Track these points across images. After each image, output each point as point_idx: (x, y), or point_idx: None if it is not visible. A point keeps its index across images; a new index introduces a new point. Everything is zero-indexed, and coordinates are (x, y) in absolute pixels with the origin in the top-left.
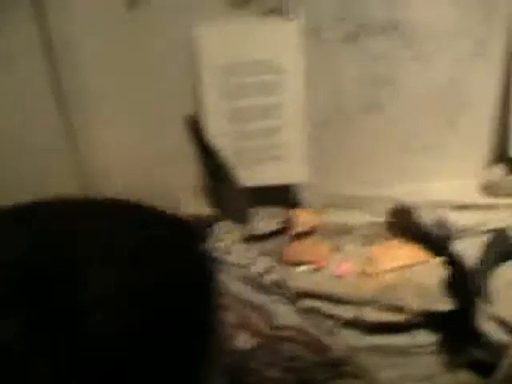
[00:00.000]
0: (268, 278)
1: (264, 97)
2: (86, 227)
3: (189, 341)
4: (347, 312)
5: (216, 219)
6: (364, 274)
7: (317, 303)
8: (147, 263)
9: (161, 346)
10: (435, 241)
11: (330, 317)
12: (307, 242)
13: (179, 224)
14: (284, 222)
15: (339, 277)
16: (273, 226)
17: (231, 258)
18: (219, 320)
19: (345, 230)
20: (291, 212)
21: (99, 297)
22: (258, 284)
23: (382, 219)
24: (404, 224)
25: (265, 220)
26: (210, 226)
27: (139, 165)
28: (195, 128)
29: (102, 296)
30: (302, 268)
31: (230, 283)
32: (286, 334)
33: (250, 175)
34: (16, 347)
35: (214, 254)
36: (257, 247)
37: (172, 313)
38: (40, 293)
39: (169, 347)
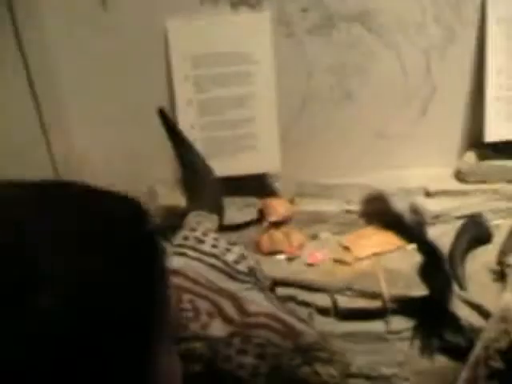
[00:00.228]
0: (241, 267)
1: (236, 87)
2: (33, 213)
3: (136, 318)
4: (322, 299)
5: (190, 209)
6: (339, 261)
7: (292, 291)
8: (95, 247)
9: (108, 324)
10: (409, 227)
11: (306, 304)
12: (282, 232)
13: (126, 200)
14: (258, 211)
15: (314, 265)
16: (247, 215)
17: (204, 247)
18: (167, 296)
19: (319, 219)
20: (265, 202)
21: (48, 281)
22: (231, 272)
23: (356, 207)
24: (378, 211)
25: (239, 210)
26: (184, 215)
27: (114, 156)
28: (167, 119)
29: (51, 279)
30: (277, 257)
31: (203, 272)
32: (258, 320)
33: (224, 165)
34: None
35: (162, 234)
36: (231, 237)
37: (120, 293)
38: None
39: (116, 326)
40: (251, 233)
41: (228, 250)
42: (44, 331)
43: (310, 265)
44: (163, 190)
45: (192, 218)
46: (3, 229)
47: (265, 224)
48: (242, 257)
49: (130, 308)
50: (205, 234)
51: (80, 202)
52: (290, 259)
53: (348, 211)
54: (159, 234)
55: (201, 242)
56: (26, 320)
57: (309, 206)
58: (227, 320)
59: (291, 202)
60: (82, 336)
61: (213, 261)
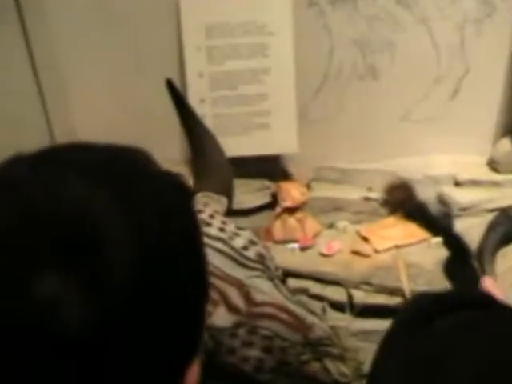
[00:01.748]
0: (250, 253)
1: (250, 60)
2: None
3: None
4: (337, 293)
5: (198, 189)
6: (356, 253)
7: (304, 283)
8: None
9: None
10: (435, 219)
11: (319, 298)
12: (296, 218)
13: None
14: (271, 196)
15: (329, 256)
16: (259, 199)
17: (211, 231)
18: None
19: (337, 207)
20: (279, 185)
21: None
22: (238, 258)
23: (377, 195)
24: (401, 200)
25: (250, 193)
26: (191, 196)
27: (118, 132)
28: (175, 92)
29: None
30: (290, 246)
31: (209, 257)
32: (266, 310)
33: (236, 144)
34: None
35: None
36: (240, 222)
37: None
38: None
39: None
40: (262, 218)
41: (236, 234)
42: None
43: (325, 256)
44: (171, 170)
45: (199, 199)
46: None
47: (278, 209)
48: (251, 242)
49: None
50: (212, 217)
51: (143, 171)
52: (303, 248)
53: (368, 199)
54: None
55: (207, 224)
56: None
57: (326, 191)
58: (233, 309)
59: (307, 186)
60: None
61: (219, 245)
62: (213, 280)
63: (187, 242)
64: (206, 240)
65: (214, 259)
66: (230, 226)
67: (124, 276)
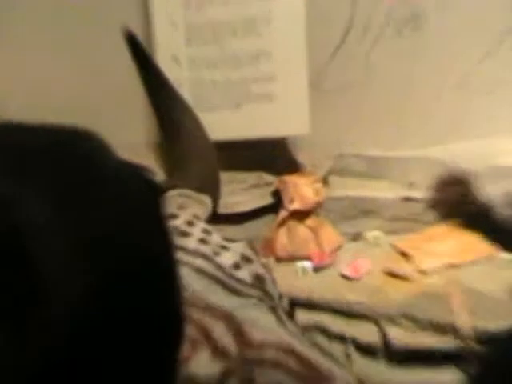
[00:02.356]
0: (243, 274)
1: (244, 4)
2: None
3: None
4: (366, 332)
5: (170, 186)
6: (392, 275)
7: (320, 317)
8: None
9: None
10: (502, 225)
11: (340, 338)
12: (307, 227)
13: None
14: (273, 194)
15: (354, 279)
16: (256, 200)
17: (188, 243)
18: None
19: (365, 210)
20: (284, 180)
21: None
22: (226, 281)
23: (420, 193)
24: (455, 200)
25: (245, 191)
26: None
27: (62, 108)
28: (138, 48)
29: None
30: (300, 264)
31: (185, 279)
32: (266, 355)
33: (224, 123)
34: None
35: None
36: (230, 231)
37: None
38: None
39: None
40: (261, 226)
41: (224, 248)
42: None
43: (349, 279)
44: (131, 159)
45: (172, 200)
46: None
47: (282, 214)
48: (245, 259)
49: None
50: (190, 224)
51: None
52: (318, 269)
53: (408, 199)
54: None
55: (184, 234)
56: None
57: (350, 189)
58: (219, 352)
59: (323, 182)
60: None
61: (200, 263)
62: (191, 312)
63: (154, 262)
64: (181, 256)
65: (193, 282)
66: (216, 237)
67: (60, 315)
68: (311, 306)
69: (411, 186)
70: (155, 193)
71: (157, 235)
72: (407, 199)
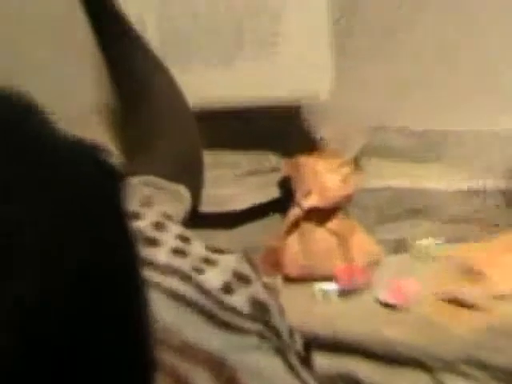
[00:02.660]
0: (237, 300)
1: None
2: None
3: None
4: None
5: (131, 172)
6: (452, 302)
7: (347, 363)
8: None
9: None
10: None
11: None
12: (330, 231)
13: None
14: (280, 185)
15: (396, 308)
16: (255, 194)
17: (158, 256)
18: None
19: (410, 207)
20: (295, 164)
21: None
22: (212, 310)
23: (494, 184)
24: None
25: (239, 180)
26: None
27: None
28: None
29: None
30: (318, 287)
31: (154, 306)
32: None
33: (210, 84)
34: None
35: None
36: (219, 237)
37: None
38: None
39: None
40: (263, 231)
41: (209, 262)
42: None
43: (390, 306)
44: (78, 133)
45: (134, 191)
46: None
47: (294, 213)
48: (240, 278)
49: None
50: (159, 227)
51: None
52: (345, 292)
53: (476, 192)
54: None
55: (150, 242)
56: None
57: (391, 177)
58: None
59: (353, 166)
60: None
61: (174, 284)
62: (161, 354)
63: (110, 274)
64: (147, 274)
65: (165, 312)
66: (197, 247)
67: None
68: (336, 346)
69: (480, 172)
70: (113, 180)
71: (115, 240)
72: (474, 192)
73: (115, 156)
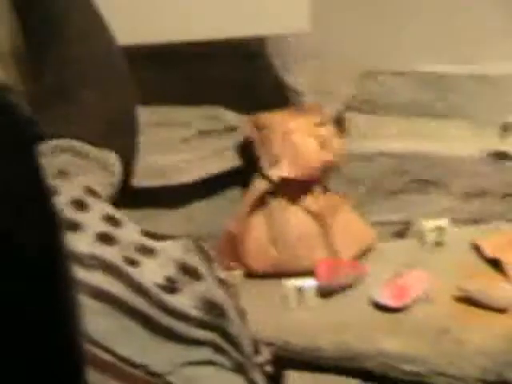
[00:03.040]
0: (181, 301)
1: None
2: None
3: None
4: None
5: (42, 133)
6: (471, 303)
7: (328, 383)
8: None
9: None
10: None
11: None
12: (306, 211)
13: None
14: (240, 151)
15: (397, 311)
16: (208, 162)
17: (79, 243)
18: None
19: (414, 178)
20: (261, 123)
21: None
22: (150, 315)
23: None
24: None
25: (186, 145)
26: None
27: None
28: None
29: None
30: (292, 284)
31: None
32: None
33: (147, 21)
34: None
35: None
36: (161, 220)
37: None
38: None
39: None
40: (219, 210)
41: (146, 251)
42: None
43: (388, 309)
44: None
45: (46, 158)
46: None
47: (259, 186)
48: (187, 272)
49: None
50: (80, 206)
51: None
52: (328, 291)
53: (503, 155)
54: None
55: (68, 226)
56: None
57: (388, 138)
58: None
59: (338, 123)
60: None
61: (100, 280)
62: (87, 373)
63: (27, 277)
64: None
65: (89, 318)
66: (130, 231)
67: None
68: (316, 363)
69: (507, 130)
70: (28, 138)
71: (30, 210)
72: (500, 156)
73: (27, 108)
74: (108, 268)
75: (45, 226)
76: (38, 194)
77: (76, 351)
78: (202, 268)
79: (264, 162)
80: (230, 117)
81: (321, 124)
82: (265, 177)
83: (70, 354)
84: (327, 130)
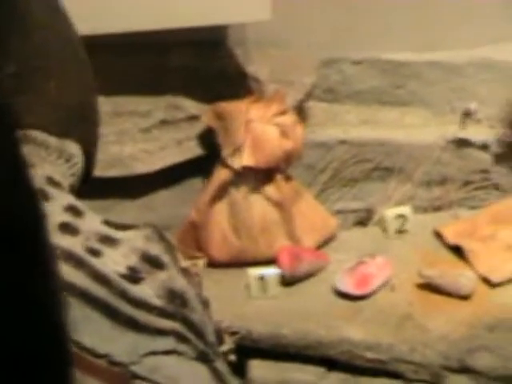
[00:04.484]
0: (144, 290)
1: None
2: None
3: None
4: None
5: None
6: (433, 289)
7: (293, 373)
8: None
9: None
10: None
11: None
12: (267, 200)
13: None
14: (201, 140)
15: (359, 299)
16: (169, 152)
17: None
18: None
19: (376, 165)
20: (221, 112)
21: None
22: (113, 305)
23: (485, 132)
24: None
25: (146, 134)
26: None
27: None
28: None
29: None
30: (254, 273)
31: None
32: None
33: (109, 8)
34: None
35: None
36: (124, 211)
37: None
38: None
39: None
40: (180, 200)
41: (108, 240)
42: None
43: (351, 297)
44: None
45: None
46: None
47: (220, 175)
48: (149, 262)
49: None
50: (40, 196)
51: None
52: (291, 280)
53: (464, 143)
54: None
55: None
56: None
57: (350, 126)
58: None
59: (299, 114)
60: None
61: (63, 270)
62: None
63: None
64: None
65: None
66: (91, 221)
67: None
68: (278, 351)
69: (468, 117)
70: (8, 123)
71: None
72: (461, 143)
73: None
74: (70, 258)
75: (28, 209)
76: (20, 178)
77: (62, 330)
78: (164, 257)
79: (225, 151)
80: (191, 106)
81: (282, 112)
82: (226, 166)
83: (57, 331)
84: (289, 119)
